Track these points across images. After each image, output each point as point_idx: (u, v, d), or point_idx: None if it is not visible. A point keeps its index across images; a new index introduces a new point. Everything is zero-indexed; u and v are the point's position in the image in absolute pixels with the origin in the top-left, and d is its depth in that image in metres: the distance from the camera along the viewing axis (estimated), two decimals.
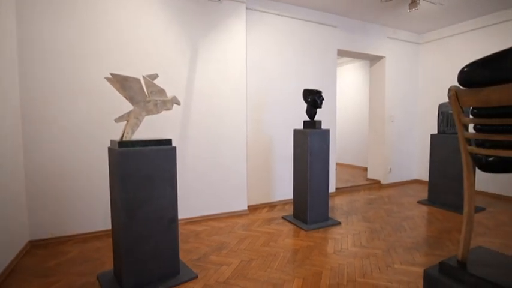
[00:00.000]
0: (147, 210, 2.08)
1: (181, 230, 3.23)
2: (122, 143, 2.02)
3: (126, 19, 3.15)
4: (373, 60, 5.68)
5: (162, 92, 2.21)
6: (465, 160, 1.40)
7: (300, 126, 4.23)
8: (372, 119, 5.80)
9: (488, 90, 1.19)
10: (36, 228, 2.86)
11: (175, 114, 3.40)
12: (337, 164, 6.29)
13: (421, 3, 4.08)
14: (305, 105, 3.69)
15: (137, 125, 2.14)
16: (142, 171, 2.05)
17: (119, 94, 2.16)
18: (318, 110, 3.61)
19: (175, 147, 2.21)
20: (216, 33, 3.62)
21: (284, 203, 4.36)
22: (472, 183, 1.41)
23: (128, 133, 2.10)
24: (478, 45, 4.86)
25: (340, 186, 5.24)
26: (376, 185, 5.59)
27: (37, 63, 2.81)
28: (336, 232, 3.24)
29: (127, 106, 2.21)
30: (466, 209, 1.42)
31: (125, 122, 2.14)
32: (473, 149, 1.35)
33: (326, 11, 4.56)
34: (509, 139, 1.19)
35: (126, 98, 2.11)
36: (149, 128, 3.14)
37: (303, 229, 3.29)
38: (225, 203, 3.78)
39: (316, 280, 2.25)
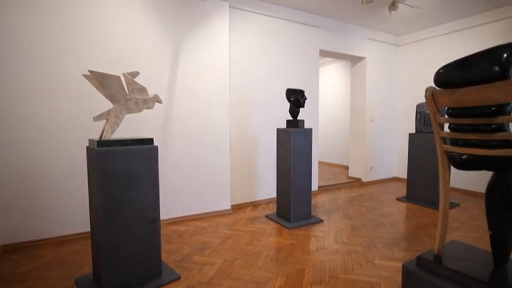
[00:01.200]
0: (127, 211, 2.03)
1: (164, 231, 3.18)
2: (101, 143, 1.96)
3: (108, 16, 3.05)
4: (354, 60, 5.80)
5: (143, 90, 2.16)
6: (441, 158, 1.46)
7: (283, 126, 4.26)
8: (353, 118, 5.93)
9: (462, 91, 1.25)
10: (8, 232, 2.73)
11: (157, 113, 3.33)
12: (319, 162, 6.37)
13: (400, 6, 4.21)
14: (288, 104, 3.72)
15: (117, 124, 2.08)
16: (123, 171, 2.00)
17: (97, 92, 2.09)
18: (301, 109, 3.64)
19: (156, 147, 2.17)
20: (198, 32, 3.58)
21: (268, 201, 4.38)
22: (447, 181, 1.47)
23: (107, 132, 2.04)
24: (452, 48, 5.06)
25: (322, 184, 5.32)
26: (357, 183, 5.72)
27: (11, 60, 2.68)
28: (318, 230, 3.29)
29: (106, 104, 2.15)
30: (441, 205, 1.48)
31: (104, 120, 2.08)
32: (448, 147, 1.40)
33: (309, 11, 4.61)
34: (481, 138, 1.25)
35: (105, 97, 2.05)
36: (130, 127, 3.07)
37: (286, 227, 3.32)
38: (209, 203, 3.75)
39: (299, 277, 2.27)
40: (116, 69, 2.90)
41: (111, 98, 2.03)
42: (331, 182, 5.56)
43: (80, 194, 2.93)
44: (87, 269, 2.37)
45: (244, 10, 4.03)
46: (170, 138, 3.46)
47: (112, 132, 2.07)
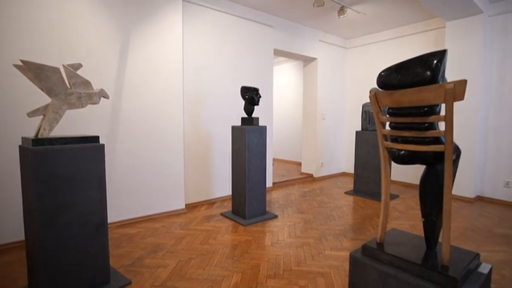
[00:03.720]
0: (69, 215, 1.86)
1: (112, 235, 2.99)
2: (37, 141, 1.77)
3: (46, 2, 2.75)
4: (306, 61, 6.02)
5: (87, 83, 2.00)
6: (382, 154, 1.59)
7: (238, 123, 4.27)
8: (306, 116, 6.16)
9: (400, 92, 1.37)
10: None
11: (104, 109, 3.11)
12: (273, 159, 6.53)
13: (348, 11, 4.47)
14: (243, 102, 3.73)
15: (56, 120, 1.90)
16: (64, 172, 1.83)
17: (33, 85, 1.89)
18: (256, 107, 3.68)
19: (103, 145, 2.02)
20: (149, 25, 3.41)
21: (223, 199, 4.36)
22: (388, 174, 1.61)
23: (44, 129, 1.85)
24: (393, 52, 5.53)
25: (276, 180, 5.46)
26: (309, 178, 5.97)
27: None
28: (273, 225, 3.37)
29: (44, 99, 1.95)
30: (383, 197, 1.61)
31: (41, 116, 1.89)
32: (389, 144, 1.53)
33: (263, 10, 4.67)
34: (416, 135, 1.38)
35: (42, 90, 1.85)
36: (72, 124, 2.83)
37: (241, 224, 3.34)
38: (161, 203, 3.61)
39: (254, 273, 2.31)
40: (56, 60, 2.66)
41: (48, 91, 1.85)
42: (285, 178, 5.73)
43: (11, 199, 2.62)
44: (22, 282, 2.13)
45: (197, 4, 3.94)
46: (119, 135, 3.26)
47: (50, 130, 1.88)
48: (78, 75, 1.95)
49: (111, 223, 3.17)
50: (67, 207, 1.85)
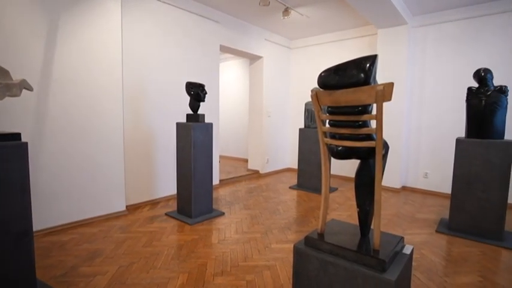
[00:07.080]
0: None
1: (40, 244, 2.67)
2: None
3: None
4: (252, 59, 6.09)
5: (4, 73, 1.74)
6: (322, 150, 1.69)
7: (183, 120, 4.15)
8: (252, 113, 6.25)
9: (339, 92, 1.47)
10: None
11: (28, 103, 2.75)
12: (220, 156, 6.49)
13: (292, 13, 4.63)
14: (188, 98, 3.63)
15: None
16: None
17: None
18: (201, 103, 3.62)
19: (26, 143, 1.78)
20: (83, 8, 3.09)
21: (168, 199, 4.21)
22: (328, 169, 1.71)
23: None
24: (333, 54, 5.90)
25: (223, 178, 5.45)
26: (255, 174, 6.07)
27: None
28: (220, 222, 3.35)
29: None
30: (323, 190, 1.72)
31: None
32: (328, 140, 1.63)
33: (209, 5, 4.58)
34: (351, 132, 1.50)
35: None
36: None
37: (187, 223, 3.26)
38: (98, 205, 3.33)
39: (201, 272, 2.28)
40: None
41: None
42: (232, 175, 5.75)
43: None
44: None
45: None
46: (46, 133, 2.91)
47: None
48: None
49: (37, 231, 2.83)
50: None
